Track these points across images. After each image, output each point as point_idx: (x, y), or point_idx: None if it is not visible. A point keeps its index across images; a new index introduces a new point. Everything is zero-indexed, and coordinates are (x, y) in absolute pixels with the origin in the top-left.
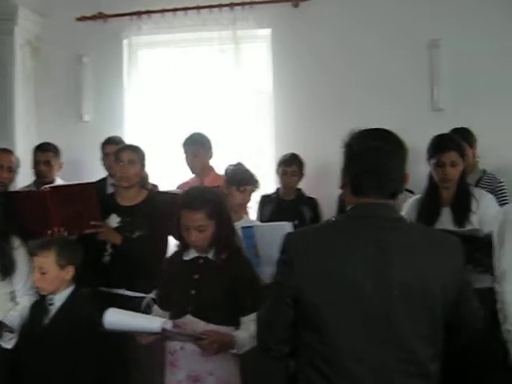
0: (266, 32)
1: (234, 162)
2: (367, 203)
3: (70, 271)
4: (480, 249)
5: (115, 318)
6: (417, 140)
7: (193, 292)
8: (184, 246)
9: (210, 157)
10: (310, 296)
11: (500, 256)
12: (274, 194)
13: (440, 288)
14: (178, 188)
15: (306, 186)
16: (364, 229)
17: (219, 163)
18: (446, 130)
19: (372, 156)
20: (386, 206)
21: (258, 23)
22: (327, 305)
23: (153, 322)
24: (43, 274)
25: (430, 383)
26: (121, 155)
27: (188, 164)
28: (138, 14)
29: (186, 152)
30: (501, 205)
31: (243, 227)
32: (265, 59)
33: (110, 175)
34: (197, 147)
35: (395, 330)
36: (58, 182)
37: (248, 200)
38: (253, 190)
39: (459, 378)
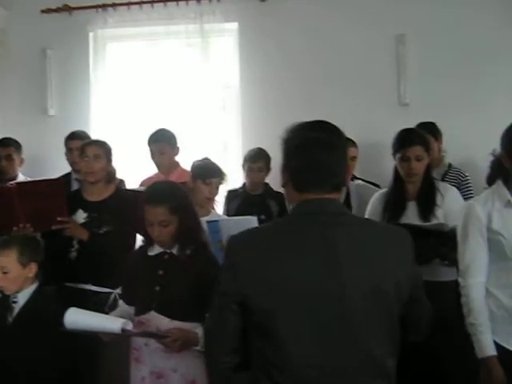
0: (233, 26)
1: (200, 157)
2: (311, 199)
3: (32, 268)
4: (445, 243)
5: (75, 318)
6: (383, 134)
7: (157, 288)
8: (149, 242)
9: (176, 153)
10: (256, 302)
11: (463, 250)
12: (241, 188)
13: (393, 284)
14: (142, 183)
15: (273, 180)
16: (310, 227)
17: (185, 159)
18: (412, 124)
19: (312, 149)
20: (330, 201)
21: (224, 17)
22: (276, 310)
23: (113, 322)
24: (5, 273)
25: (388, 381)
26: (86, 150)
27: (154, 162)
28: (104, 6)
29: (151, 150)
30: (466, 199)
31: (209, 221)
32: (232, 53)
33: (74, 170)
34: (162, 144)
35: (350, 331)
36: (21, 177)
37: (215, 193)
38: (219, 183)
39: (427, 371)
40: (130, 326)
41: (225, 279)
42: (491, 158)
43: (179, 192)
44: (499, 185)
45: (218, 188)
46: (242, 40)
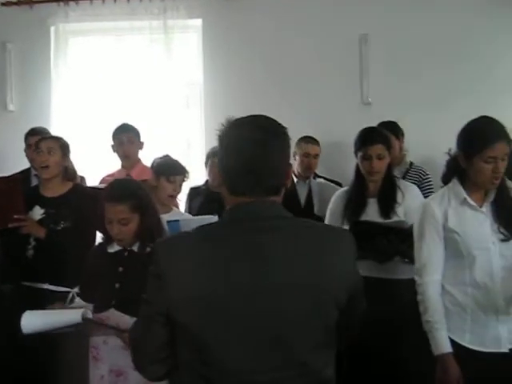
0: (197, 22)
1: (161, 155)
2: (245, 203)
3: None
4: (405, 240)
5: (32, 321)
6: (346, 133)
7: (117, 285)
8: (108, 239)
9: (141, 147)
10: (183, 315)
11: (420, 248)
12: (204, 186)
13: (332, 291)
14: (103, 180)
15: None
16: (241, 233)
17: (148, 155)
18: (375, 123)
19: (246, 150)
20: (266, 205)
21: (188, 13)
22: (205, 324)
23: (72, 313)
24: None
25: None
26: (40, 144)
27: (122, 152)
28: (66, 0)
29: (119, 140)
30: (427, 197)
31: (169, 221)
32: (196, 50)
33: (33, 167)
34: (132, 134)
35: (286, 343)
36: None
37: (178, 191)
38: (183, 181)
39: (385, 373)
40: (89, 315)
41: (150, 288)
42: (447, 157)
43: (140, 190)
44: (455, 183)
45: (181, 185)
46: (206, 37)
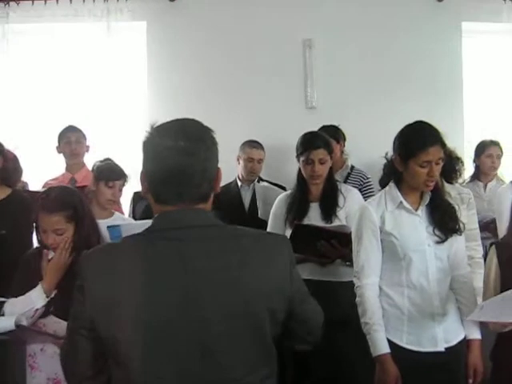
0: (141, 25)
1: (102, 158)
2: (170, 212)
3: None
4: (347, 244)
5: None
6: (291, 137)
7: (55, 292)
8: (44, 246)
9: (87, 150)
10: (106, 329)
11: (358, 251)
12: None
13: (265, 301)
14: (46, 184)
15: None
16: (165, 244)
17: (91, 158)
18: (319, 127)
19: (169, 158)
20: (192, 213)
21: (132, 16)
22: (128, 339)
23: (4, 320)
24: None
25: None
26: None
27: (69, 151)
28: (7, 0)
29: (67, 139)
30: None
31: (109, 227)
32: (140, 53)
33: None
34: (80, 135)
35: (215, 360)
36: None
37: (118, 196)
38: (123, 185)
39: (331, 370)
40: (24, 322)
41: (75, 302)
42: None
43: (76, 199)
44: (391, 187)
45: (121, 190)
46: (151, 39)
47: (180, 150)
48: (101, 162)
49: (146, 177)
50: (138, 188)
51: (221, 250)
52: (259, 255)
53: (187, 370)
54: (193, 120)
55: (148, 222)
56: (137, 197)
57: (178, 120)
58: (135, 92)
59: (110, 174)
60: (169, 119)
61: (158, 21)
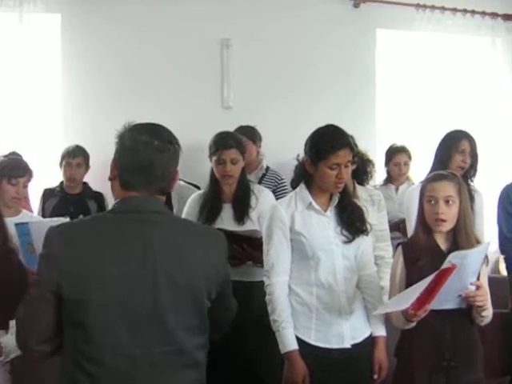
0: (56, 17)
1: (7, 152)
2: (132, 197)
3: None
4: (258, 248)
5: None
6: (207, 136)
7: None
8: None
9: None
10: (70, 293)
11: (268, 250)
12: (58, 187)
13: (204, 280)
14: None
15: (91, 180)
16: (127, 223)
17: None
18: (235, 127)
19: (141, 151)
20: (152, 200)
21: (46, 7)
22: (89, 302)
23: None
24: None
25: (198, 372)
26: None
27: None
28: None
29: None
30: None
31: (17, 224)
32: (54, 45)
33: None
34: None
35: (162, 323)
36: None
37: (22, 193)
38: (28, 181)
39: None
40: None
41: (41, 269)
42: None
43: None
44: (302, 188)
45: (26, 187)
46: (65, 33)
47: (153, 146)
48: (4, 156)
49: (117, 165)
50: (48, 185)
51: (172, 234)
52: (203, 243)
53: (139, 327)
54: (163, 126)
55: (60, 220)
56: (47, 194)
57: (150, 123)
58: (48, 85)
59: (13, 170)
60: (82, 114)
61: (73, 14)
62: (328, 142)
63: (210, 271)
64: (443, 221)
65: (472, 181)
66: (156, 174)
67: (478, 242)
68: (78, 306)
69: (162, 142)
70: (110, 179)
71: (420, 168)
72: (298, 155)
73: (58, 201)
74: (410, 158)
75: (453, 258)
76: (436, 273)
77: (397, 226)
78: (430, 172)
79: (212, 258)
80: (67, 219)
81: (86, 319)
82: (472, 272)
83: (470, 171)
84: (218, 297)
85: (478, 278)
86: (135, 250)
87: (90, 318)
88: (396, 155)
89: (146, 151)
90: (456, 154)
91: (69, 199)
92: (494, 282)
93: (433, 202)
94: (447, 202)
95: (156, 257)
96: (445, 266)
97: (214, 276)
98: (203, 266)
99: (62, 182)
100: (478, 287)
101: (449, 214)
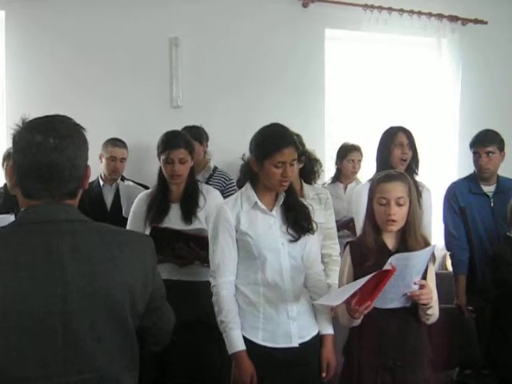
0: (0, 14)
1: None
2: (37, 206)
3: None
4: (204, 247)
5: None
6: (155, 136)
7: None
8: None
9: None
10: None
11: (214, 251)
12: (1, 188)
13: (128, 295)
14: None
15: None
16: (33, 237)
17: None
18: (183, 126)
19: (37, 152)
20: (59, 208)
21: None
22: None
23: None
24: None
25: None
26: None
27: None
28: None
29: None
30: None
31: None
32: None
33: None
34: None
35: (75, 348)
36: None
37: None
38: None
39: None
40: None
41: None
42: (241, 163)
43: None
44: (247, 187)
45: None
46: (9, 30)
47: (49, 146)
48: None
49: (15, 171)
50: None
51: (86, 245)
52: (123, 251)
53: (51, 359)
54: (64, 117)
55: (4, 217)
56: None
57: (48, 116)
58: None
59: None
60: (26, 113)
61: (17, 12)
62: (273, 141)
63: (134, 284)
64: (394, 221)
65: (417, 173)
66: (58, 177)
67: (426, 242)
68: None
69: (59, 138)
70: (10, 190)
71: (365, 167)
72: (244, 154)
73: (1, 202)
74: (362, 156)
75: (395, 260)
76: (373, 274)
77: (346, 225)
78: (377, 170)
79: (136, 270)
80: (12, 217)
81: None
82: (416, 272)
83: (412, 163)
84: (149, 311)
85: (425, 277)
86: (41, 268)
87: None
88: (351, 152)
89: (40, 153)
90: (395, 148)
91: (13, 200)
92: (440, 277)
93: (384, 202)
94: (399, 203)
95: (67, 276)
96: (386, 267)
97: (139, 289)
98: (125, 278)
99: (5, 184)
100: (422, 286)
101: (400, 215)
